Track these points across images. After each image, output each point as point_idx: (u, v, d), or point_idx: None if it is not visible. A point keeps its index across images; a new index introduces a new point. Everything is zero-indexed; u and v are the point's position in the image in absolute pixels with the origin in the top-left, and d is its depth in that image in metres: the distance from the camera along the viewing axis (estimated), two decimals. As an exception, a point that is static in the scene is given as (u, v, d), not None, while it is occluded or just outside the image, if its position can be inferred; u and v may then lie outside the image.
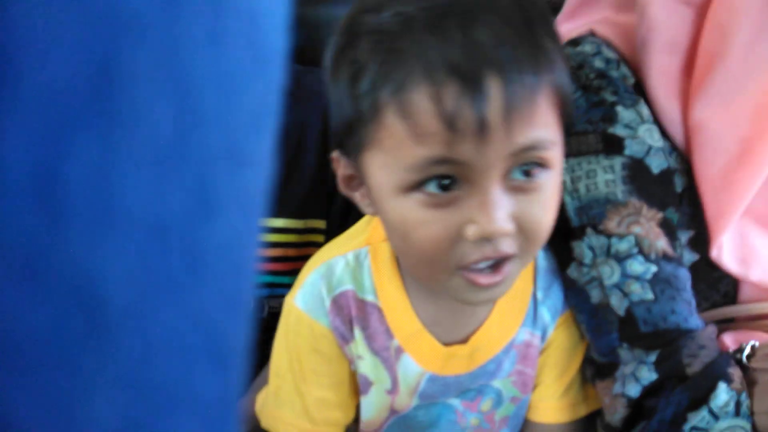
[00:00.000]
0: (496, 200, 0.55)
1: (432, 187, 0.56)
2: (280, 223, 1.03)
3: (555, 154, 0.59)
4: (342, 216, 0.95)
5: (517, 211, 0.57)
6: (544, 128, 0.57)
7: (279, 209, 0.98)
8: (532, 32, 0.55)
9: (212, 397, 0.22)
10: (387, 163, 0.58)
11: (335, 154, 0.65)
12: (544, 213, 0.59)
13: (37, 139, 0.16)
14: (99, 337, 0.18)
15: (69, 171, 0.17)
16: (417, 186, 0.57)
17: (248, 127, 0.22)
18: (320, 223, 1.02)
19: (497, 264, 0.59)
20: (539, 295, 0.75)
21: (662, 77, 0.76)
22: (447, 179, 0.56)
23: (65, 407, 0.18)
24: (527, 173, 0.57)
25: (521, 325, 0.74)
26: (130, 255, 0.18)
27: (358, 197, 0.66)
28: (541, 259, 0.76)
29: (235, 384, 0.23)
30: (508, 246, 0.57)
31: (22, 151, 0.16)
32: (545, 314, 0.75)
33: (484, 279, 0.59)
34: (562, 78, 0.59)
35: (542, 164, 0.58)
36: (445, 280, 0.60)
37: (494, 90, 0.53)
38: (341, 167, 0.65)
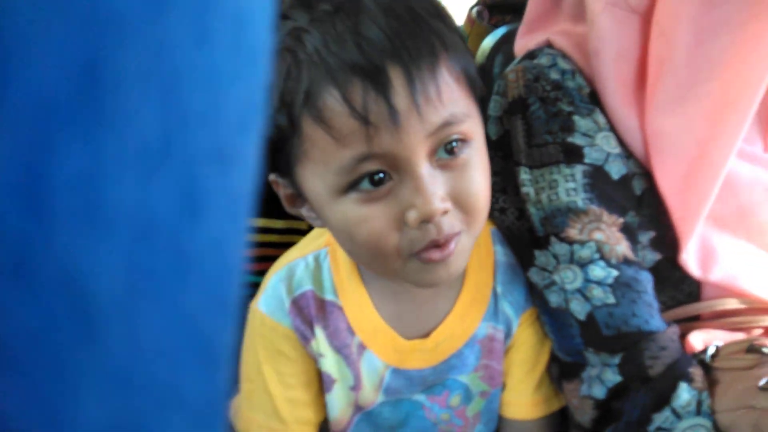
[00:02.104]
0: (428, 182, 0.57)
1: (365, 184, 0.58)
2: (260, 223, 1.03)
3: (471, 126, 0.61)
4: None
5: (451, 188, 0.59)
6: (452, 104, 0.58)
7: (260, 209, 0.98)
8: (418, 20, 0.57)
9: (199, 397, 0.21)
10: (317, 171, 0.59)
11: (272, 177, 0.67)
12: (477, 184, 0.61)
13: (24, 141, 0.16)
14: (87, 336, 0.18)
15: (56, 172, 0.17)
16: (351, 186, 0.58)
17: (235, 128, 0.22)
18: (302, 224, 1.02)
19: (445, 241, 0.60)
20: (499, 289, 0.76)
21: (616, 86, 0.78)
22: (377, 174, 0.58)
23: (54, 406, 0.18)
24: (450, 151, 0.59)
25: (482, 320, 0.76)
26: (117, 255, 0.18)
27: (304, 213, 0.68)
28: (500, 254, 0.77)
29: (222, 384, 0.23)
30: (450, 225, 0.59)
31: (10, 153, 0.16)
32: (507, 309, 0.77)
33: (436, 254, 0.60)
34: (462, 56, 0.61)
35: (462, 138, 0.60)
36: (401, 267, 0.62)
37: (396, 79, 0.55)
38: (281, 188, 0.67)
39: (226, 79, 0.21)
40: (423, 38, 0.57)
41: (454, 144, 0.59)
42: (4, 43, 0.16)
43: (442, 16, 0.61)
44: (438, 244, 0.60)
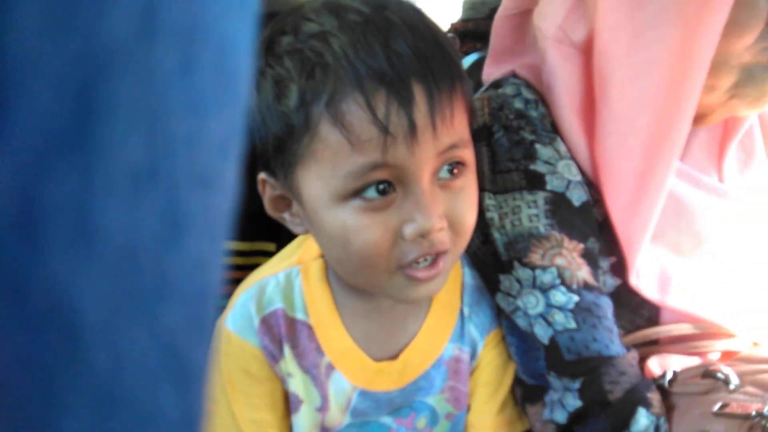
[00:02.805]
0: (430, 199, 0.60)
1: (371, 193, 0.59)
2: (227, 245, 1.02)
3: (470, 152, 0.64)
4: (293, 238, 0.95)
5: (447, 209, 0.61)
6: (461, 128, 0.62)
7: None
8: (442, 46, 0.60)
9: (177, 417, 0.22)
10: (323, 173, 0.60)
11: (262, 176, 0.66)
12: (469, 208, 0.64)
13: (22, 167, 0.17)
14: (73, 355, 0.18)
15: (47, 195, 0.17)
16: (354, 194, 0.59)
17: (216, 152, 0.22)
18: (270, 246, 1.02)
19: (434, 260, 0.62)
20: (466, 311, 0.77)
21: (570, 117, 0.80)
22: (383, 184, 0.59)
23: (38, 424, 0.18)
24: (450, 172, 0.62)
25: (449, 341, 0.76)
26: (103, 276, 0.19)
27: (287, 217, 0.68)
28: (468, 276, 0.78)
29: (200, 404, 0.23)
30: (442, 241, 0.61)
31: (8, 178, 0.17)
32: (473, 330, 0.77)
33: (423, 273, 0.62)
34: (470, 90, 0.64)
35: (462, 163, 0.63)
36: (386, 281, 0.63)
37: (419, 96, 0.57)
38: (268, 189, 0.67)
39: (210, 104, 0.22)
40: (445, 64, 0.60)
41: (455, 167, 0.62)
42: (2, 74, 0.16)
43: (456, 50, 0.64)
44: (426, 254, 0.61)
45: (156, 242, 0.20)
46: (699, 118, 0.80)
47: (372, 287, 0.66)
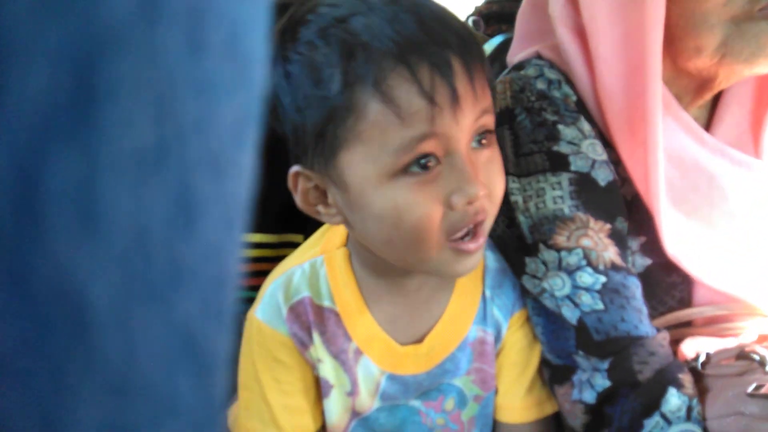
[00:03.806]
0: (473, 167, 0.61)
1: (415, 167, 0.60)
2: (254, 238, 1.02)
3: (494, 120, 0.66)
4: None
5: (482, 177, 0.63)
6: (489, 97, 0.64)
7: (254, 224, 0.98)
8: (465, 24, 0.64)
9: (195, 405, 0.21)
10: (370, 153, 0.60)
11: (295, 170, 0.66)
12: (499, 175, 0.66)
13: (19, 149, 0.16)
14: (83, 343, 0.18)
15: (52, 179, 0.17)
16: (402, 170, 0.60)
17: (229, 137, 0.22)
18: (297, 238, 1.02)
19: (475, 230, 0.64)
20: (488, 293, 0.77)
21: (588, 94, 0.81)
22: (426, 158, 0.60)
23: (50, 413, 0.18)
24: (480, 142, 0.64)
25: (473, 323, 0.77)
26: (112, 262, 0.18)
27: (321, 209, 0.68)
28: (491, 260, 0.79)
29: (218, 393, 0.23)
30: (484, 209, 0.63)
31: (5, 160, 0.16)
32: (496, 312, 0.78)
33: (471, 245, 0.64)
34: (486, 60, 0.66)
35: (490, 130, 0.65)
36: (436, 255, 0.64)
37: (457, 66, 0.59)
38: (302, 182, 0.66)
39: (220, 87, 0.21)
40: (469, 34, 0.62)
41: (484, 136, 0.64)
42: (2, 54, 0.16)
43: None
44: (473, 222, 0.63)
45: (167, 228, 0.20)
46: (705, 85, 0.79)
47: (420, 264, 0.66)
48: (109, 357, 0.19)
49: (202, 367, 0.22)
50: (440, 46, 0.59)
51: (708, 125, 0.86)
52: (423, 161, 0.60)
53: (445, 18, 0.62)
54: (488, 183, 0.63)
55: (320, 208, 0.68)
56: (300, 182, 0.67)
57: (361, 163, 0.61)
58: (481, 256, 0.66)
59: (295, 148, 0.65)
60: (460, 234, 0.63)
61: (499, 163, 0.66)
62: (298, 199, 0.68)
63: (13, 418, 0.17)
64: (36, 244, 0.17)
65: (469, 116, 0.61)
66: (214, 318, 0.22)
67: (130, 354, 0.19)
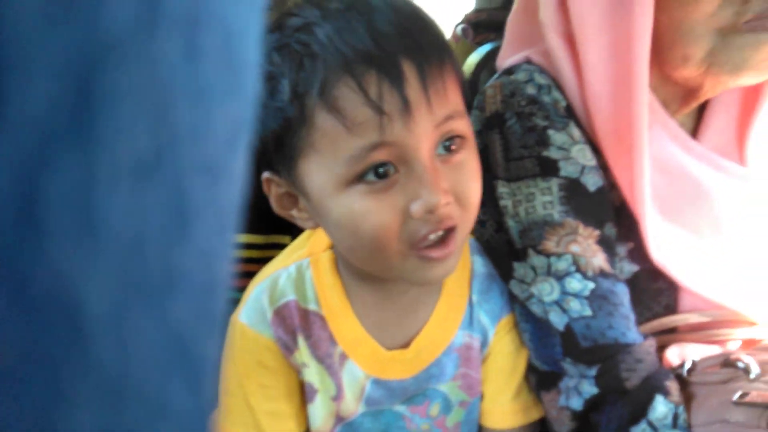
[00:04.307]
0: (433, 174, 0.60)
1: (371, 176, 0.60)
2: (241, 238, 1.02)
3: (466, 124, 0.64)
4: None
5: (451, 183, 0.61)
6: (455, 100, 0.62)
7: (241, 224, 0.98)
8: (425, 21, 0.62)
9: (186, 409, 0.22)
10: (324, 162, 0.60)
11: (266, 176, 0.67)
12: (472, 181, 0.64)
13: (19, 156, 0.17)
14: (79, 348, 0.18)
15: (50, 185, 0.17)
16: (357, 178, 0.60)
17: (223, 143, 0.22)
18: (284, 239, 1.02)
19: (445, 237, 0.62)
20: (475, 298, 0.77)
21: (576, 99, 0.81)
22: (383, 166, 0.59)
23: (45, 419, 0.18)
24: (448, 148, 0.62)
25: (459, 328, 0.77)
26: (108, 267, 0.18)
27: (295, 214, 0.68)
28: (478, 264, 0.78)
29: (208, 398, 0.23)
30: (449, 216, 0.61)
31: (5, 167, 0.16)
32: (483, 318, 0.77)
33: (436, 252, 0.62)
34: (456, 59, 0.65)
35: (460, 135, 0.63)
36: (400, 263, 0.63)
37: (409, 72, 0.58)
38: (273, 187, 0.67)
39: (215, 93, 0.21)
40: (431, 38, 0.61)
41: (453, 141, 0.62)
42: (3, 63, 0.16)
43: (439, 27, 0.65)
44: (436, 230, 0.61)
45: (162, 233, 0.20)
46: (691, 94, 0.80)
47: (387, 272, 0.66)
48: (104, 362, 0.19)
49: (193, 371, 0.22)
50: (390, 52, 0.58)
51: (695, 132, 0.86)
52: (381, 170, 0.60)
53: (405, 23, 0.60)
54: (459, 189, 0.62)
55: (294, 212, 0.68)
56: (272, 188, 0.67)
57: (317, 171, 0.61)
58: (455, 263, 0.65)
59: (263, 156, 0.66)
60: (426, 242, 0.62)
61: (473, 168, 0.65)
62: (273, 204, 0.68)
63: (7, 424, 0.17)
64: (34, 251, 0.17)
65: (426, 123, 0.59)
66: (206, 323, 0.22)
67: (124, 359, 0.19)
